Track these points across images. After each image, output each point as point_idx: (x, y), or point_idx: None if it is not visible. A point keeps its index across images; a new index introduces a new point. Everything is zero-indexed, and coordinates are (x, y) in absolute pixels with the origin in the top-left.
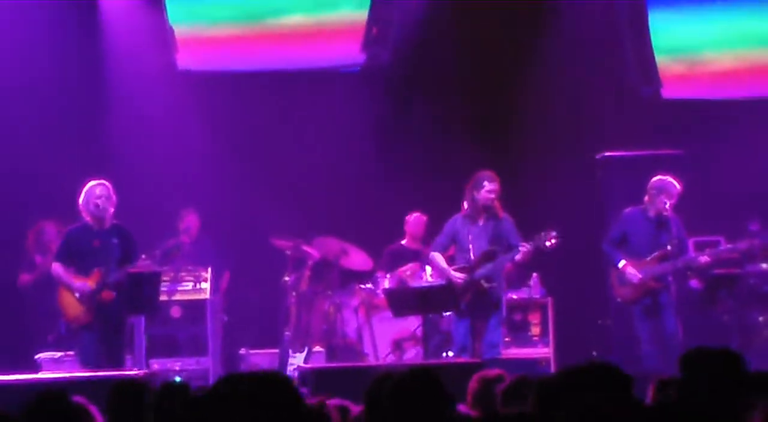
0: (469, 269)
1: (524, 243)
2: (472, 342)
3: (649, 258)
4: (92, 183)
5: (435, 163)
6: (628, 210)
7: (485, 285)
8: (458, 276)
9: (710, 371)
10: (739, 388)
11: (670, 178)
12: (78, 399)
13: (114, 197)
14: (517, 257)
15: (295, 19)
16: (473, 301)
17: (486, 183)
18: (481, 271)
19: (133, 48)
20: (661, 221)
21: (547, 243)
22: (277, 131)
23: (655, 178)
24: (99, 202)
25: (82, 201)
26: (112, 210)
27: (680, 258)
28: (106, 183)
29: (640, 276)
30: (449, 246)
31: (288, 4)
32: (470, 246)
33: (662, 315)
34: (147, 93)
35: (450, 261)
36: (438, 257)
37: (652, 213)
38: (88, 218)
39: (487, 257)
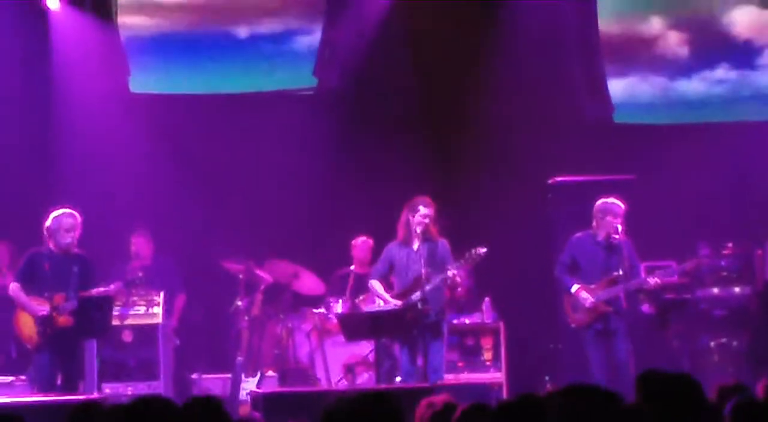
0: (403, 293)
1: (450, 268)
2: (417, 367)
3: (599, 283)
4: (60, 212)
5: (384, 187)
6: (576, 235)
7: (420, 307)
8: (395, 302)
9: (666, 395)
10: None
11: (612, 199)
12: None
13: (79, 226)
14: (447, 280)
15: None
16: (413, 326)
17: (421, 207)
18: (416, 295)
19: (84, 69)
20: (610, 245)
21: (477, 260)
22: (228, 153)
23: (599, 201)
24: (71, 234)
25: (50, 228)
26: (77, 236)
27: (631, 281)
28: (75, 213)
29: (592, 299)
30: (387, 273)
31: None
32: (407, 271)
33: (613, 341)
34: (98, 114)
35: (389, 288)
36: (377, 285)
37: (601, 237)
38: (51, 244)
39: (420, 281)
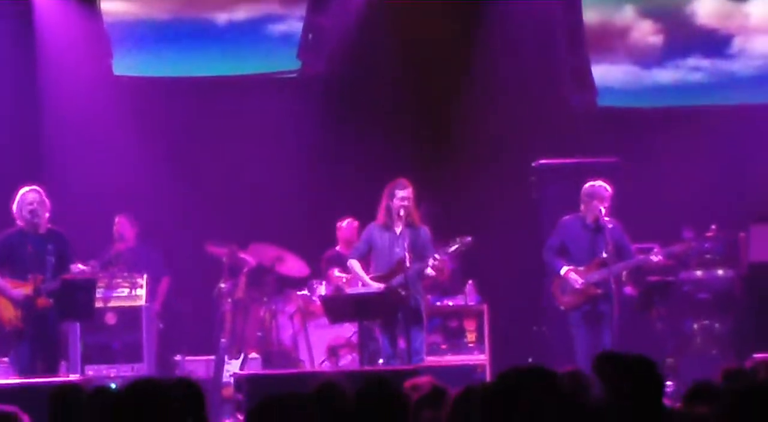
0: (385, 278)
1: (435, 257)
2: (397, 350)
3: (588, 266)
4: (24, 189)
5: (369, 170)
6: (565, 218)
7: (402, 292)
8: (377, 286)
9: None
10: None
11: (600, 182)
12: (8, 407)
13: (47, 202)
14: (427, 270)
15: None
16: (393, 310)
17: (397, 191)
18: (397, 279)
19: (68, 52)
20: (598, 227)
21: (462, 249)
22: (211, 136)
23: (586, 185)
24: (32, 207)
25: (16, 207)
26: (46, 215)
27: (620, 263)
28: (38, 188)
29: (582, 280)
30: (367, 253)
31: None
32: (387, 254)
33: (600, 325)
34: (81, 97)
35: (367, 269)
36: (356, 265)
37: (589, 220)
38: (22, 224)
39: (403, 266)
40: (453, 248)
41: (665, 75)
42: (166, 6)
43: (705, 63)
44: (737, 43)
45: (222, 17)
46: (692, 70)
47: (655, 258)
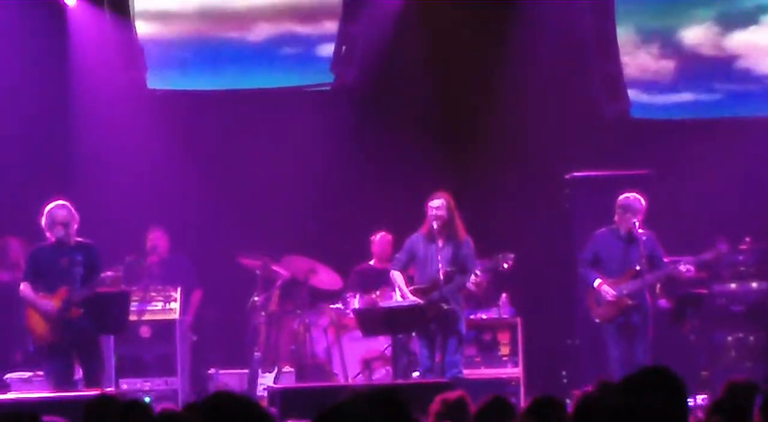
0: (425, 291)
1: (477, 272)
2: (435, 363)
3: (621, 277)
4: (52, 205)
5: (402, 182)
6: (599, 231)
7: (443, 307)
8: (416, 300)
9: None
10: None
11: (635, 195)
12: (57, 419)
13: (76, 215)
14: (469, 285)
15: None
16: (426, 323)
17: (430, 203)
18: (437, 293)
19: (101, 65)
20: (632, 239)
21: (505, 266)
22: (244, 149)
23: (621, 196)
24: (62, 225)
25: (45, 223)
26: (75, 227)
27: (659, 271)
28: (66, 203)
29: (614, 293)
30: (409, 263)
31: None
32: (429, 267)
33: (634, 338)
34: (115, 110)
35: (410, 280)
36: (398, 277)
37: (623, 231)
38: (52, 238)
39: (446, 279)
40: (494, 264)
41: (680, 96)
42: (197, 26)
43: (716, 85)
44: (740, 65)
45: (253, 34)
46: (706, 91)
47: (684, 267)
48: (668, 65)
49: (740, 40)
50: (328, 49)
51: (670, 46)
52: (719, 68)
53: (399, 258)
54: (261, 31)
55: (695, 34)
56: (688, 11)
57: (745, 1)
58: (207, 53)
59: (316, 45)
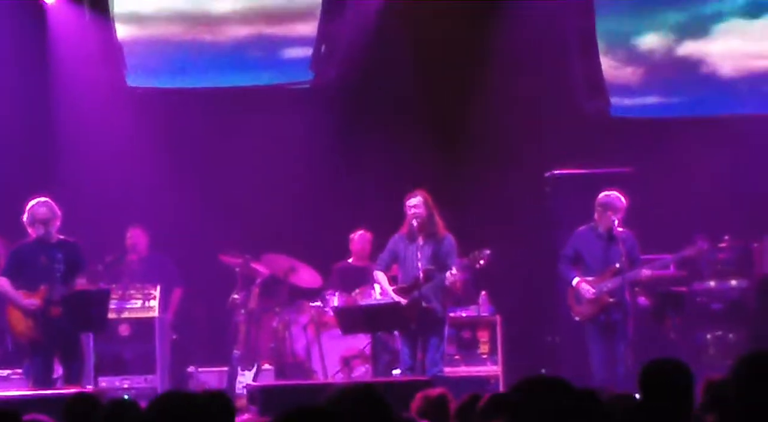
0: (407, 290)
1: (452, 270)
2: (417, 361)
3: (601, 275)
4: (33, 202)
5: (382, 180)
6: (579, 229)
7: (424, 305)
8: (399, 299)
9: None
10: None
11: (615, 193)
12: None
13: (58, 212)
14: (446, 281)
15: None
16: (410, 320)
17: (407, 201)
18: (416, 293)
19: (81, 62)
20: (611, 237)
21: (481, 262)
22: (225, 147)
23: (601, 194)
24: (42, 223)
25: (27, 220)
26: (57, 224)
27: (628, 273)
28: (48, 200)
29: (593, 290)
30: (392, 263)
31: None
32: (409, 265)
33: (615, 336)
34: (95, 108)
35: (393, 280)
36: (382, 277)
37: (602, 229)
38: (33, 235)
39: (425, 277)
40: (469, 259)
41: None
42: (178, 27)
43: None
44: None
45: (233, 33)
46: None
47: (644, 272)
48: (636, 71)
49: (697, 47)
50: (299, 52)
51: (634, 52)
52: (683, 73)
53: (382, 257)
54: (234, 34)
55: (657, 40)
56: (653, 17)
57: (705, 8)
58: (180, 56)
59: (287, 47)
